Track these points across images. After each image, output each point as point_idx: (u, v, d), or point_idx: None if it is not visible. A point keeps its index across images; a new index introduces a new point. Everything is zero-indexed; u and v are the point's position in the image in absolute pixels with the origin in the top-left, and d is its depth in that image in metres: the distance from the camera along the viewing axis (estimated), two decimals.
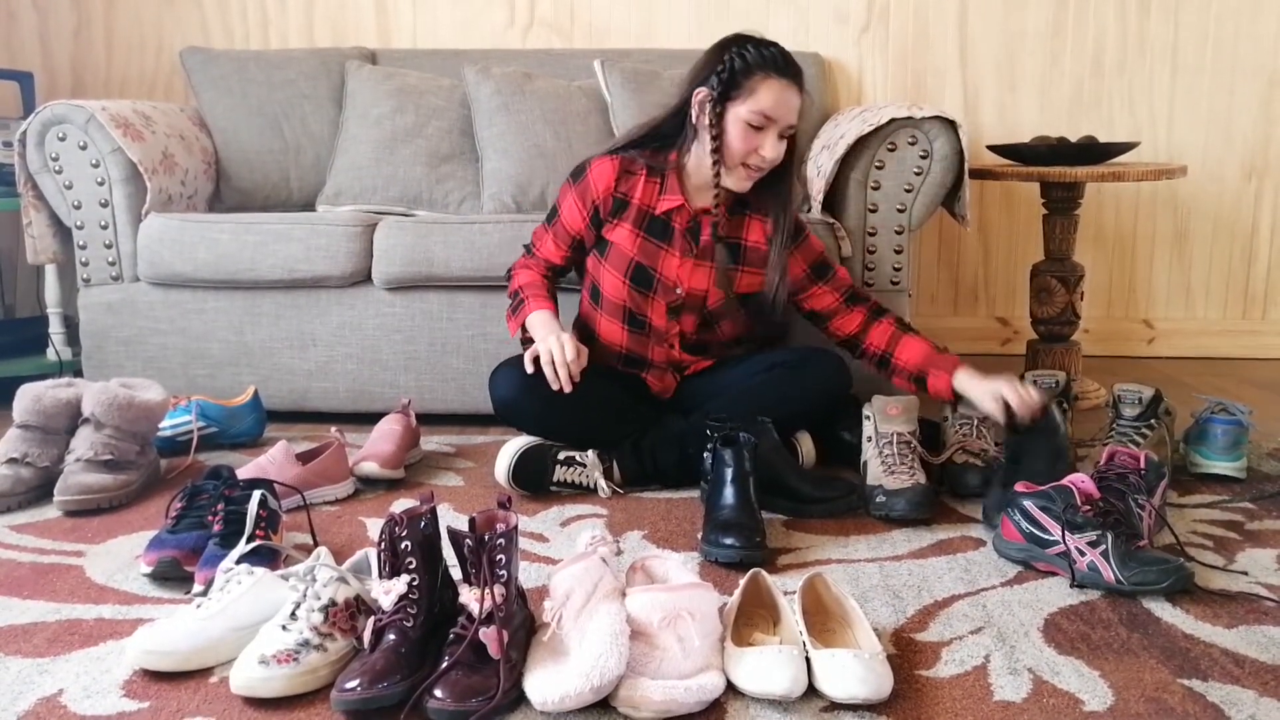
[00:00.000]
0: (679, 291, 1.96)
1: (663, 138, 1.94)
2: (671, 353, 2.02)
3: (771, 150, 1.84)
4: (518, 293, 2.00)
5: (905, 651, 1.31)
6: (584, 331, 2.05)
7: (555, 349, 1.82)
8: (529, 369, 1.84)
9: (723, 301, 1.98)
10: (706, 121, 1.84)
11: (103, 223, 2.39)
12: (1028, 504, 1.56)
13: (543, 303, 1.95)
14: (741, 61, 1.82)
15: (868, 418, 1.90)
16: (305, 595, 1.26)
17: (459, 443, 2.26)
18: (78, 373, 2.53)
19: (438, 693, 1.14)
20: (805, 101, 1.90)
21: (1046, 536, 1.53)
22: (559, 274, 2.08)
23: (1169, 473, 1.82)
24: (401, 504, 1.87)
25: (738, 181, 1.88)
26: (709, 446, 1.76)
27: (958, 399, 1.89)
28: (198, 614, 1.30)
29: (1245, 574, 1.54)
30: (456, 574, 1.27)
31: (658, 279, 1.95)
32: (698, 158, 1.91)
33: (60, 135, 2.34)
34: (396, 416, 2.10)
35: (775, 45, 1.85)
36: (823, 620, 1.34)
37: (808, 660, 1.22)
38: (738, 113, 1.82)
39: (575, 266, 2.07)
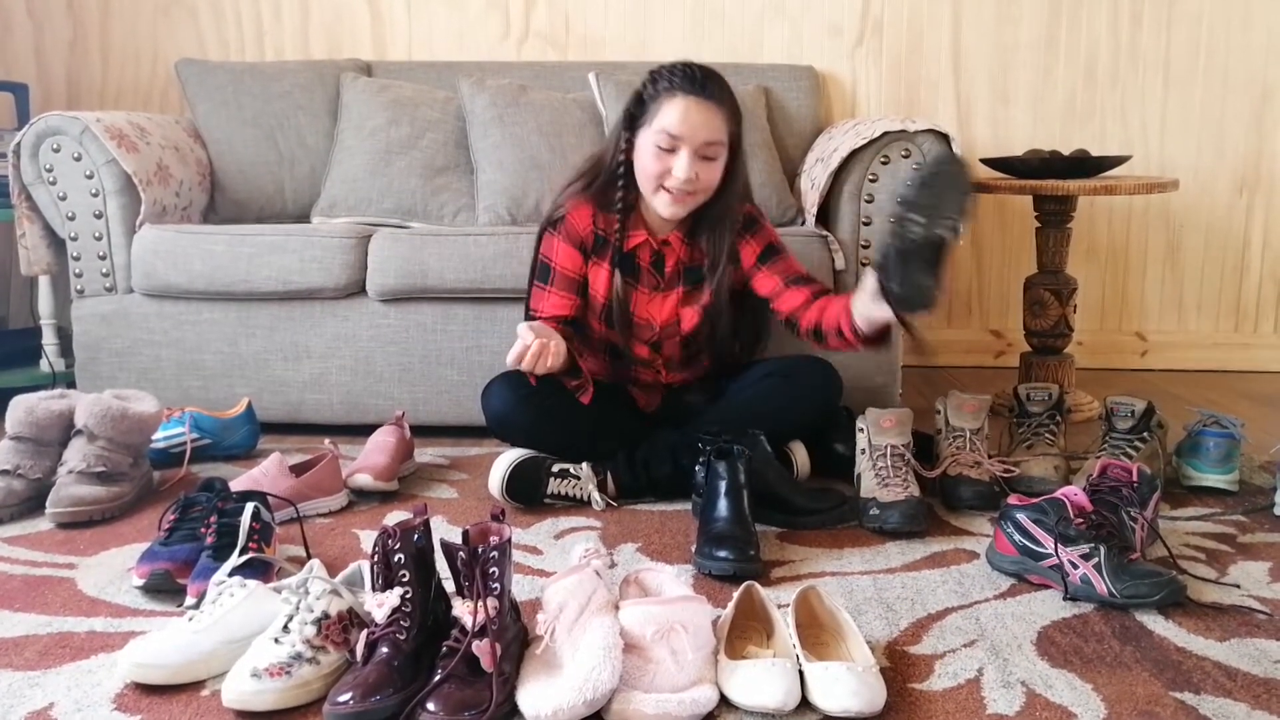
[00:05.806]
0: (655, 328, 1.97)
1: (619, 175, 1.89)
2: (659, 377, 2.04)
3: (683, 170, 1.78)
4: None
5: (898, 664, 1.31)
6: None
7: (524, 337, 1.71)
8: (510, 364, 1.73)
9: (697, 325, 1.97)
10: (620, 149, 1.85)
11: (97, 234, 2.38)
12: (1020, 516, 1.56)
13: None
14: (650, 88, 1.83)
15: (861, 430, 1.90)
16: (298, 608, 1.26)
17: (453, 455, 2.26)
18: (71, 384, 2.52)
19: (430, 706, 1.14)
20: (738, 123, 1.84)
21: (1039, 549, 1.53)
22: (571, 326, 1.95)
23: (1161, 485, 1.82)
24: (395, 516, 1.87)
25: (664, 206, 1.85)
26: (702, 459, 1.76)
27: (870, 331, 1.78)
28: (190, 627, 1.29)
29: (1237, 587, 1.55)
30: (450, 587, 1.27)
31: (633, 319, 1.96)
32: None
33: (55, 147, 2.34)
34: (390, 428, 2.09)
35: (691, 66, 1.82)
36: (816, 633, 1.34)
37: (801, 673, 1.22)
38: (646, 135, 1.82)
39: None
